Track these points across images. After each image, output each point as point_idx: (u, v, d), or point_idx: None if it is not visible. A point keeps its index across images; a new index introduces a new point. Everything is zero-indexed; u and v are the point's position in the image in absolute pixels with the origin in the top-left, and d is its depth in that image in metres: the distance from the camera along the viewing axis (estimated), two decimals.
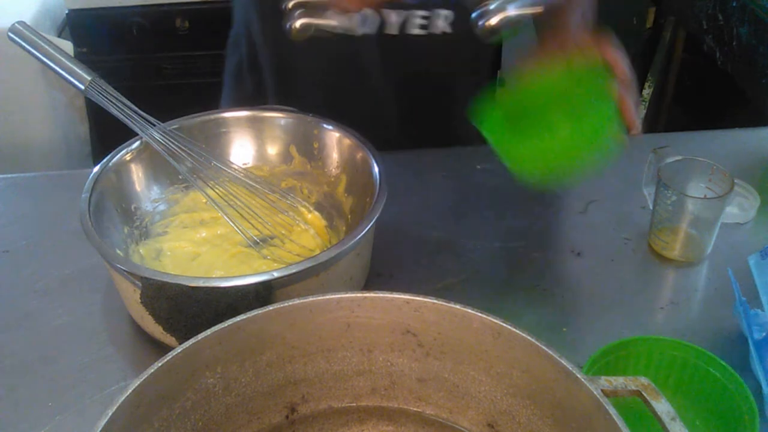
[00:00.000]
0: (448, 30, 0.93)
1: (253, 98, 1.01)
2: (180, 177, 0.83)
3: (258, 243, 0.78)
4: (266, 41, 0.98)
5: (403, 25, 0.92)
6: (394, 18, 0.91)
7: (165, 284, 0.65)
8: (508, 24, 0.65)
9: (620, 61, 0.72)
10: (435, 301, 0.55)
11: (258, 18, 0.98)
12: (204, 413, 0.55)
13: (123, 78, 1.76)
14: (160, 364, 0.51)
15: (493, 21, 0.65)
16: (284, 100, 0.91)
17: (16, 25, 0.80)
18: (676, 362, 0.68)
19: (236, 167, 0.84)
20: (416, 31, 0.92)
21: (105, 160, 0.79)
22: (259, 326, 0.55)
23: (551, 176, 0.71)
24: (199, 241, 0.81)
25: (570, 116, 0.69)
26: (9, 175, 1.00)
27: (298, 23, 0.69)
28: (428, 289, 0.80)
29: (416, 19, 0.91)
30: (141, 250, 0.78)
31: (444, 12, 0.92)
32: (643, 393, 0.52)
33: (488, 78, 1.10)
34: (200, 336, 0.53)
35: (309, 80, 0.99)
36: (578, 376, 0.50)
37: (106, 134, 1.10)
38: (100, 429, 0.46)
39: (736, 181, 0.82)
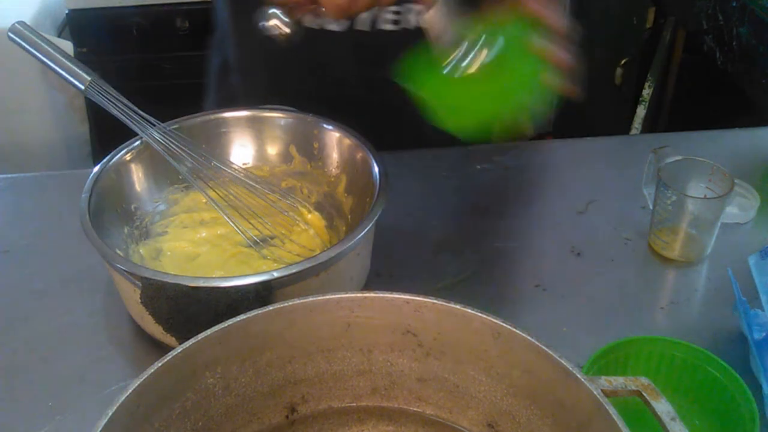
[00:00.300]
0: (391, 27, 0.92)
1: (237, 99, 1.01)
2: (180, 177, 0.83)
3: (258, 243, 0.78)
4: (242, 42, 0.98)
5: (374, 20, 0.91)
6: (363, 14, 0.90)
7: (165, 284, 0.65)
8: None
9: (545, 11, 0.71)
10: (435, 301, 0.55)
11: (233, 20, 0.98)
12: (204, 413, 0.55)
13: (123, 78, 1.76)
14: (160, 364, 0.51)
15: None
16: (266, 99, 0.90)
17: (16, 25, 0.79)
18: (676, 362, 0.68)
19: (236, 167, 0.84)
20: (388, 27, 0.91)
21: (105, 160, 0.79)
22: (259, 326, 0.55)
23: (480, 127, 0.71)
24: (199, 241, 0.81)
25: (497, 68, 0.69)
26: (9, 175, 1.00)
27: (286, 29, 0.69)
28: (428, 289, 0.80)
29: (387, 15, 0.90)
30: (141, 250, 0.78)
31: (416, 7, 0.90)
32: (643, 393, 0.52)
33: None
34: (200, 336, 0.53)
35: (287, 80, 0.98)
36: (578, 376, 0.50)
37: (106, 134, 1.10)
38: (100, 429, 0.46)
39: (736, 181, 0.82)
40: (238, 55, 1.00)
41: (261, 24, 0.70)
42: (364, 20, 0.91)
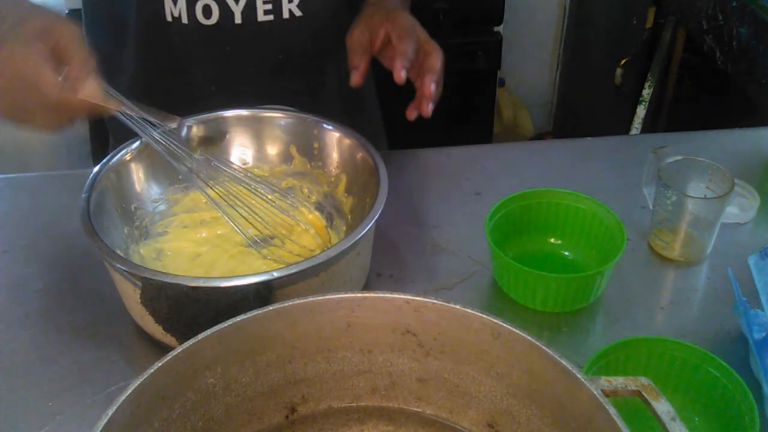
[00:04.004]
0: (297, 13, 0.91)
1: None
2: (180, 177, 0.83)
3: (258, 243, 0.78)
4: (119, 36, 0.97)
5: (247, 12, 0.90)
6: (233, 6, 0.89)
7: (165, 284, 0.65)
8: None
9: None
10: (435, 301, 0.55)
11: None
12: (204, 413, 0.55)
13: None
14: (160, 364, 0.51)
15: None
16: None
17: None
18: (676, 362, 0.68)
19: (236, 167, 0.84)
20: (264, 18, 0.91)
21: (105, 160, 0.79)
22: (259, 326, 0.55)
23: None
24: (199, 241, 0.81)
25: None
26: (9, 175, 1.00)
27: None
28: (428, 289, 0.80)
29: (260, 5, 0.90)
30: (141, 250, 0.78)
31: None
32: (643, 393, 0.52)
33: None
34: (200, 336, 0.53)
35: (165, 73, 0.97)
36: (578, 376, 0.50)
37: (106, 134, 1.10)
38: (100, 429, 0.46)
39: (736, 181, 0.82)
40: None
41: None
42: (235, 13, 0.90)
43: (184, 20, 0.90)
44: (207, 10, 0.89)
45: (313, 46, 0.97)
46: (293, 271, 0.66)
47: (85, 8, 1.00)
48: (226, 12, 0.90)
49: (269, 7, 0.90)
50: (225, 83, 0.94)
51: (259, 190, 0.82)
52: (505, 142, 2.29)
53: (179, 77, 0.96)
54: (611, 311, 0.79)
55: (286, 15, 0.91)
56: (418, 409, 0.60)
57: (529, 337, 0.53)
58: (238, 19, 0.90)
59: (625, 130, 1.88)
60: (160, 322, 0.67)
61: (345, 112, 1.00)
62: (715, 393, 0.66)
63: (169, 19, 0.90)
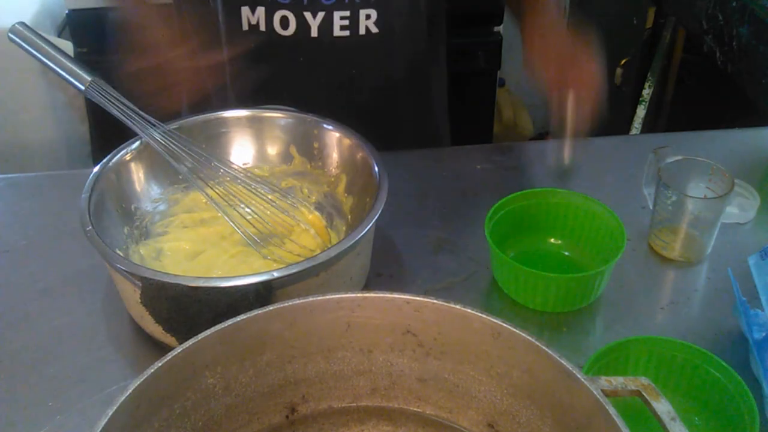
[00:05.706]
0: (374, 30, 0.92)
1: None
2: (180, 177, 0.83)
3: (258, 243, 0.78)
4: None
5: (323, 26, 0.90)
6: (311, 19, 0.90)
7: (165, 284, 0.65)
8: None
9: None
10: (435, 301, 0.55)
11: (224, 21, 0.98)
12: (204, 413, 0.55)
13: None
14: (160, 364, 0.51)
15: None
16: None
17: (16, 25, 0.79)
18: (676, 362, 0.68)
19: (236, 167, 0.84)
20: (339, 33, 0.91)
21: (105, 160, 0.79)
22: (259, 326, 0.55)
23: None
24: (199, 241, 0.81)
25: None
26: (9, 175, 1.00)
27: None
28: (428, 289, 0.80)
29: (337, 20, 0.90)
30: (141, 250, 0.78)
31: (366, 11, 0.90)
32: (643, 393, 0.52)
33: (439, 77, 1.08)
34: (200, 336, 0.53)
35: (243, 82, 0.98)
36: (578, 376, 0.50)
37: (106, 134, 1.10)
38: (100, 429, 0.46)
39: (736, 181, 0.82)
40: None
41: None
42: (311, 26, 0.91)
43: (262, 28, 0.91)
44: (284, 22, 0.90)
45: (388, 63, 0.97)
46: (293, 271, 0.66)
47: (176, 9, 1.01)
48: (303, 25, 0.90)
49: (346, 23, 0.91)
50: (296, 92, 0.94)
51: (259, 190, 0.82)
52: (505, 142, 2.29)
53: (252, 82, 0.96)
54: (611, 311, 0.79)
55: (362, 31, 0.92)
56: (418, 409, 0.60)
57: (529, 337, 0.53)
58: (314, 33, 0.91)
59: (625, 130, 1.88)
60: (160, 322, 0.67)
61: (417, 133, 0.99)
62: (715, 393, 0.66)
63: (246, 27, 0.91)
